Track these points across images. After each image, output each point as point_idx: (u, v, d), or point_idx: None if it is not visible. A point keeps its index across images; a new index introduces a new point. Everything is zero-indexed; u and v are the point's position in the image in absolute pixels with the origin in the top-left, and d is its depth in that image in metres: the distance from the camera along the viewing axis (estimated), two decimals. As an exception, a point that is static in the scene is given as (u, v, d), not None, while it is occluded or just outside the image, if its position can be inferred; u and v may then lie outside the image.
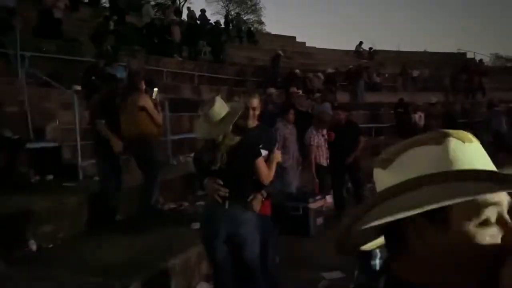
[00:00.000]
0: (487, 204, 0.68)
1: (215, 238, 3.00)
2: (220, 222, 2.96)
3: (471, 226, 0.68)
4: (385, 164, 0.74)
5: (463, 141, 0.71)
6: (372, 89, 16.69)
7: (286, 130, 5.87)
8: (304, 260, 4.66)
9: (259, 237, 3.09)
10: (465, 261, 0.68)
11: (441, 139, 0.71)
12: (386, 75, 18.78)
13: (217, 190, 2.92)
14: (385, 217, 0.67)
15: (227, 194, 2.91)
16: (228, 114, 2.90)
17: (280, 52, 15.60)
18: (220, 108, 2.89)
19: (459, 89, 17.18)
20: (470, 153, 0.70)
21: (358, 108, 14.27)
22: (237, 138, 2.93)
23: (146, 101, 4.99)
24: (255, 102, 3.36)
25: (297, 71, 14.03)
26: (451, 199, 0.65)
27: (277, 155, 3.23)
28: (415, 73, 18.43)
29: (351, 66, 17.19)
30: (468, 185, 0.65)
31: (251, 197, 3.03)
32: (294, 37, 22.43)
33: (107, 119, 4.85)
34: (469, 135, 0.73)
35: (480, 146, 0.73)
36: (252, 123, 3.37)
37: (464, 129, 0.77)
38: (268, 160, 3.14)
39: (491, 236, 0.68)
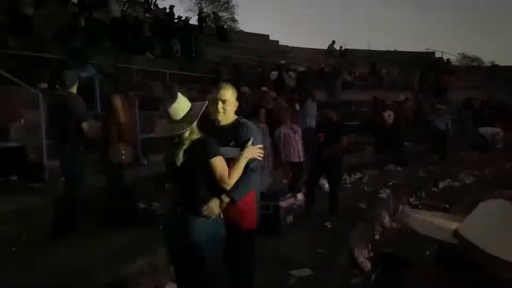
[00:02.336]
0: None
1: (170, 245, 2.81)
2: (172, 228, 2.73)
3: None
4: None
5: None
6: (344, 87, 16.89)
7: (258, 130, 5.88)
8: (273, 258, 4.68)
9: (217, 249, 2.70)
10: None
11: None
12: (357, 73, 19.06)
13: (172, 192, 2.79)
14: None
15: (181, 198, 2.72)
16: (190, 110, 2.68)
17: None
18: (182, 104, 2.67)
19: (427, 88, 17.63)
20: None
21: (331, 106, 14.43)
22: (199, 136, 2.70)
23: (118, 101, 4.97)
24: (226, 94, 2.91)
25: (273, 72, 14.09)
26: None
27: (249, 153, 2.81)
28: (384, 72, 18.78)
29: (323, 65, 17.37)
30: None
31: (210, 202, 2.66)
32: (267, 36, 22.49)
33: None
34: None
35: None
36: (224, 118, 2.94)
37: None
38: (235, 160, 2.77)
39: None
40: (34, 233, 4.32)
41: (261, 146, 2.87)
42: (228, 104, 2.91)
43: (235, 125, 2.95)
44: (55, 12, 12.55)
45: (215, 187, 2.70)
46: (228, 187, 2.71)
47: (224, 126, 2.94)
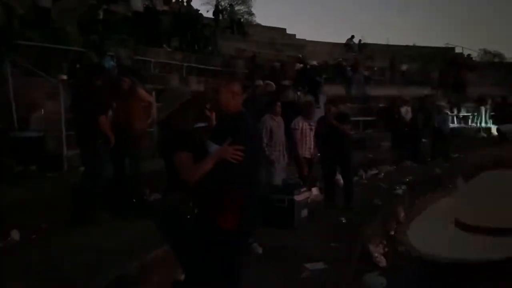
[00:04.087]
0: None
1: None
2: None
3: None
4: None
5: None
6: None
7: (273, 123, 5.89)
8: (287, 251, 4.70)
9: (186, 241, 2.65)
10: None
11: None
12: (375, 68, 18.85)
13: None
14: None
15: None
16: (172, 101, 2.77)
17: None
18: (173, 94, 2.83)
19: (447, 84, 17.34)
20: None
21: (346, 101, 14.36)
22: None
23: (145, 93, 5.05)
24: (228, 87, 2.78)
25: (298, 64, 14.06)
26: None
27: (219, 154, 2.63)
28: (404, 67, 18.53)
29: (340, 59, 17.23)
30: None
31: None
32: (284, 29, 22.37)
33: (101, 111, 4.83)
34: None
35: None
36: (221, 111, 2.83)
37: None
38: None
39: None
40: (52, 222, 4.42)
41: (240, 148, 2.60)
42: (223, 95, 2.76)
43: (232, 119, 2.80)
44: (74, 4, 12.70)
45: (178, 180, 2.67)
46: (190, 182, 2.62)
47: (223, 119, 2.87)
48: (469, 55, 21.81)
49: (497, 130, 13.04)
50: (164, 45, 13.14)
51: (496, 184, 0.69)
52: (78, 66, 7.65)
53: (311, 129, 6.40)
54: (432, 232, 0.77)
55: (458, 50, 23.14)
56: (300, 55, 15.69)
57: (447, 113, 11.64)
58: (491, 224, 0.67)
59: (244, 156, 2.59)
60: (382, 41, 24.98)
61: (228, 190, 2.59)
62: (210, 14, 19.58)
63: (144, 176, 5.34)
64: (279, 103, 6.15)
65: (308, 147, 6.39)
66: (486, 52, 28.01)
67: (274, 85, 9.08)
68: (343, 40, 22.44)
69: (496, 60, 26.69)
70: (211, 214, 2.58)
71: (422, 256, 0.75)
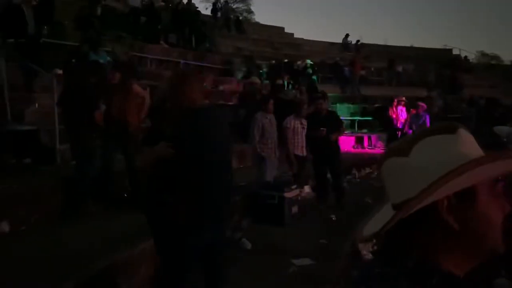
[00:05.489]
0: (497, 181, 0.80)
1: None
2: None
3: (492, 201, 0.79)
4: (404, 151, 0.82)
5: (467, 130, 0.83)
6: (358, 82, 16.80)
7: (265, 120, 5.94)
8: (276, 247, 4.76)
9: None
10: (489, 233, 0.79)
11: (453, 129, 0.81)
12: (372, 68, 18.91)
13: None
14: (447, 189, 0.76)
15: None
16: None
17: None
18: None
19: (443, 85, 17.40)
20: (473, 139, 0.83)
21: (343, 100, 14.44)
22: None
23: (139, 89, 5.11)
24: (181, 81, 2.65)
25: (299, 62, 14.15)
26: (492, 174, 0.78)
27: (158, 149, 2.61)
28: (401, 67, 18.60)
29: (338, 58, 17.29)
30: (500, 164, 0.77)
31: None
32: (283, 28, 22.41)
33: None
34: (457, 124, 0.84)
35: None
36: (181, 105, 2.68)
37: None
38: None
39: (501, 207, 0.81)
40: (44, 214, 4.45)
41: (170, 145, 2.53)
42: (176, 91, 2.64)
43: (184, 115, 2.64)
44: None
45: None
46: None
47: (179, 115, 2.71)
48: (466, 57, 21.90)
49: (491, 131, 13.07)
50: (162, 42, 13.16)
51: (393, 168, 0.84)
52: (73, 61, 7.67)
53: (303, 128, 6.45)
54: (383, 219, 0.83)
55: (455, 52, 23.25)
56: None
57: (426, 114, 11.56)
58: (394, 201, 0.82)
59: (185, 153, 2.52)
60: (380, 41, 25.06)
61: (179, 185, 2.58)
62: (209, 12, 19.63)
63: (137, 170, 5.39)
64: (272, 101, 6.19)
65: (300, 145, 6.45)
66: (483, 54, 28.11)
67: (260, 82, 9.13)
68: (341, 40, 22.49)
69: (494, 62, 26.77)
70: (173, 206, 2.58)
71: (366, 238, 0.84)
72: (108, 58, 8.92)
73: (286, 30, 22.33)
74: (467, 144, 0.81)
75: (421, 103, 10.78)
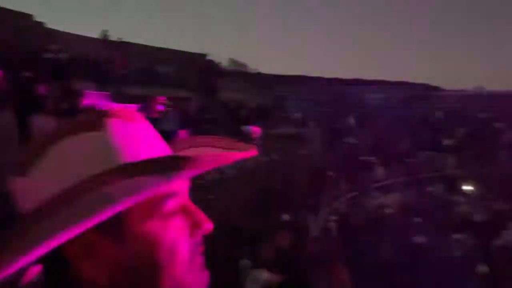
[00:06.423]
0: (164, 198, 0.59)
1: None
2: None
3: (151, 228, 0.58)
4: (24, 168, 0.56)
5: (126, 121, 0.60)
6: (118, 81, 16.37)
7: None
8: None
9: None
10: (151, 266, 0.58)
11: (100, 123, 0.58)
12: (132, 68, 18.74)
13: None
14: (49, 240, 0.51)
15: None
16: None
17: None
18: None
19: (198, 88, 18.71)
20: (135, 136, 0.60)
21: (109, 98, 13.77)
22: None
23: None
24: None
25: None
26: (118, 203, 0.53)
27: None
28: (161, 68, 19.05)
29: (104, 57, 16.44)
30: (137, 183, 0.53)
31: None
32: (31, 15, 19.92)
33: None
34: (134, 113, 0.62)
35: (149, 125, 0.63)
36: None
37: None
38: None
39: (176, 230, 0.60)
40: None
41: None
42: None
43: None
44: None
45: None
46: None
47: None
48: (219, 62, 24.11)
49: (241, 130, 14.73)
50: None
51: None
52: None
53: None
54: None
55: (211, 57, 25.18)
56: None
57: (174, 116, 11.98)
58: None
59: None
60: (141, 41, 24.96)
61: None
62: None
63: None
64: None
65: None
66: (234, 61, 31.48)
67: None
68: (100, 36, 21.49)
69: (243, 69, 30.35)
70: None
71: None
72: None
73: (36, 19, 19.95)
74: (120, 146, 0.58)
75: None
